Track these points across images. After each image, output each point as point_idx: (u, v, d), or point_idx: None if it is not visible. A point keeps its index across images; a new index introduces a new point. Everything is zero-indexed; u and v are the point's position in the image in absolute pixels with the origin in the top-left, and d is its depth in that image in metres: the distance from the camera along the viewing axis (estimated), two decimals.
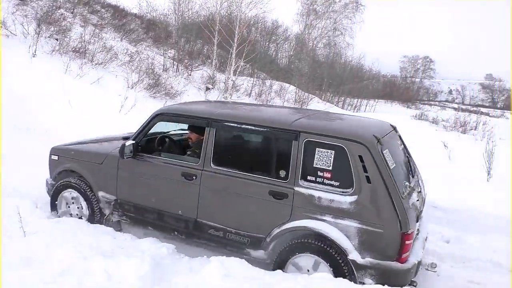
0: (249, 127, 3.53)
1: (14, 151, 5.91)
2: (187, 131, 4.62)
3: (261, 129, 3.49)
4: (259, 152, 3.71)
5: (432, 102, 47.07)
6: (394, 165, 3.29)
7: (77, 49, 11.75)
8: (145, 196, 3.93)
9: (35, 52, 10.04)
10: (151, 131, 4.07)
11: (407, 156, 3.95)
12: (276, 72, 26.33)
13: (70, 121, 7.74)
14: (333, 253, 3.14)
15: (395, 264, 3.03)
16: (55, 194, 4.33)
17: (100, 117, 8.38)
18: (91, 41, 12.54)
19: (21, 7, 11.76)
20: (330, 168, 3.21)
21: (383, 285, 3.01)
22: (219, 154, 3.63)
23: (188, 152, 4.09)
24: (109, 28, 15.47)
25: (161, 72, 15.13)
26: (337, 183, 3.19)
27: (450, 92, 73.35)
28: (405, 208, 3.04)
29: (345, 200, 3.13)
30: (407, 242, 3.02)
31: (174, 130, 4.69)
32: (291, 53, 33.14)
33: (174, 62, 17.03)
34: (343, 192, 3.16)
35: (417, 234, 3.46)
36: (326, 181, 3.23)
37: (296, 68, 28.54)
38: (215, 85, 17.59)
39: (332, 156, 3.20)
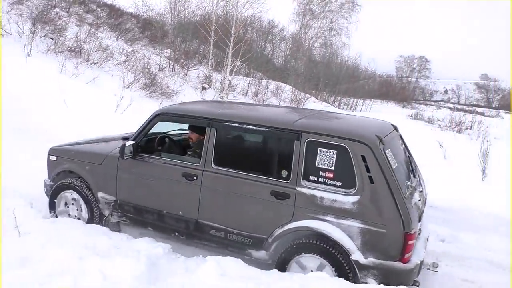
0: (251, 127, 3.50)
1: (8, 150, 5.87)
2: (186, 131, 4.60)
3: (263, 129, 3.47)
4: (261, 152, 3.68)
5: (427, 102, 47.22)
6: (396, 165, 3.28)
7: (73, 48, 11.71)
8: (145, 196, 3.90)
9: (30, 51, 9.99)
10: (151, 131, 4.05)
11: (408, 156, 3.95)
12: (272, 71, 26.32)
13: (66, 121, 7.71)
14: (336, 253, 3.13)
15: (398, 264, 3.02)
16: (53, 195, 4.29)
17: (96, 117, 8.35)
18: (86, 41, 12.50)
19: (16, 6, 11.70)
20: (333, 168, 3.19)
21: (387, 285, 3.00)
22: (220, 154, 3.60)
23: (189, 152, 4.06)
24: (104, 28, 15.42)
25: (157, 72, 15.09)
26: (339, 183, 3.18)
27: (446, 91, 73.64)
28: (408, 208, 3.03)
29: (348, 200, 3.12)
30: (409, 242, 3.01)
31: (174, 130, 4.66)
32: (287, 52, 33.17)
33: (170, 62, 17.00)
34: (345, 192, 3.15)
35: (419, 233, 3.46)
36: (328, 181, 3.21)
37: (292, 68, 28.56)
38: (211, 84, 17.57)
39: (335, 156, 3.19)
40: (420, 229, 3.36)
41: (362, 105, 29.48)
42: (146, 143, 4.08)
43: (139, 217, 3.97)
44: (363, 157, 3.09)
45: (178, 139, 4.57)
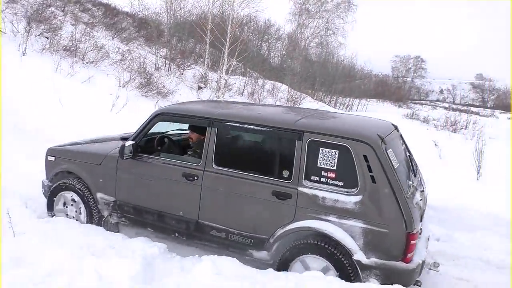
0: (252, 127, 3.49)
1: (2, 150, 5.84)
2: (186, 131, 4.56)
3: (264, 129, 3.46)
4: (262, 152, 3.66)
5: (423, 102, 47.44)
6: (398, 164, 3.28)
7: (68, 47, 11.65)
8: (145, 197, 3.88)
9: (25, 50, 9.94)
10: (150, 131, 4.02)
11: (409, 156, 3.94)
12: (268, 71, 26.33)
13: (61, 120, 7.67)
14: (338, 253, 3.12)
15: (400, 264, 3.02)
16: (51, 196, 4.25)
17: (91, 116, 8.32)
18: (82, 40, 12.44)
19: (10, 4, 11.63)
20: (334, 168, 3.19)
21: (391, 285, 3.00)
22: (221, 155, 3.59)
23: (189, 152, 4.04)
24: (100, 27, 15.36)
25: (153, 71, 15.05)
26: (341, 183, 3.18)
27: (441, 91, 73.95)
28: (410, 207, 3.03)
29: (350, 200, 3.12)
30: (412, 242, 3.01)
31: (173, 130, 4.63)
32: (284, 52, 33.16)
33: (166, 61, 16.96)
34: (347, 192, 3.15)
35: (420, 233, 3.46)
36: (330, 181, 3.21)
37: (289, 68, 28.57)
38: (207, 84, 17.55)
39: (336, 156, 3.18)
40: (421, 229, 3.37)
41: (358, 105, 29.55)
42: (146, 143, 4.05)
43: (138, 217, 3.94)
44: (365, 156, 3.09)
45: (177, 139, 4.54)
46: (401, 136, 4.00)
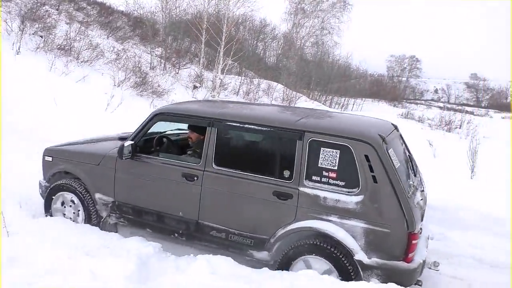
0: (252, 126, 3.46)
1: None
2: (184, 131, 4.53)
3: (265, 128, 3.43)
4: (263, 152, 3.64)
5: (418, 101, 47.59)
6: (399, 164, 3.27)
7: (62, 46, 11.61)
8: (144, 197, 3.84)
9: (19, 49, 9.90)
10: (149, 131, 3.99)
11: (409, 155, 3.94)
12: (264, 70, 26.33)
13: (55, 119, 7.64)
14: (339, 254, 3.12)
15: (401, 264, 3.01)
16: (49, 197, 4.20)
17: (86, 116, 8.29)
18: (76, 39, 12.40)
19: (4, 3, 11.56)
20: (336, 168, 3.17)
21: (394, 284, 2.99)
22: (221, 155, 3.56)
23: (189, 152, 4.01)
24: (95, 26, 15.32)
25: (148, 70, 15.02)
26: (342, 183, 3.16)
27: (436, 91, 74.27)
28: (411, 207, 3.03)
29: (351, 200, 3.10)
30: (413, 241, 3.00)
31: (171, 130, 4.58)
32: (279, 51, 33.19)
33: (162, 60, 16.93)
34: (349, 192, 3.13)
35: (420, 233, 3.46)
36: (331, 181, 3.19)
37: (284, 67, 28.59)
38: (202, 83, 17.54)
39: (338, 155, 3.17)
40: (421, 228, 3.36)
41: (353, 104, 29.62)
42: (144, 143, 4.01)
43: (137, 218, 3.91)
44: (366, 156, 3.08)
45: (175, 139, 4.50)
46: (400, 135, 3.99)
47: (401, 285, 3.00)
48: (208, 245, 3.63)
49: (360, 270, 3.10)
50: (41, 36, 11.43)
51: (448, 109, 33.19)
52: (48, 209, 4.22)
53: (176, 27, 20.81)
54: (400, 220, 2.99)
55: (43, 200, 4.30)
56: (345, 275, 3.11)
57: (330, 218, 3.16)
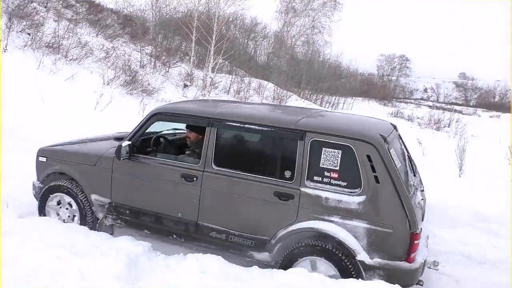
0: (253, 126, 3.42)
1: None
2: (180, 131, 4.48)
3: (265, 128, 3.40)
4: (263, 153, 3.59)
5: (407, 100, 47.98)
6: (400, 164, 3.27)
7: (51, 44, 11.48)
8: (142, 198, 3.78)
9: (6, 47, 9.76)
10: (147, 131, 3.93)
11: (408, 155, 3.94)
12: (254, 69, 26.33)
13: (43, 118, 7.55)
14: (340, 254, 3.10)
15: (403, 264, 3.00)
16: (43, 198, 4.11)
17: (75, 114, 8.21)
18: (65, 36, 12.27)
19: None
20: (337, 168, 3.15)
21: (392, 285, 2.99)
22: (220, 155, 3.51)
23: (187, 152, 3.96)
24: (84, 23, 15.17)
25: (138, 69, 14.93)
26: (344, 183, 3.14)
27: (425, 90, 74.99)
28: (413, 207, 3.03)
29: (353, 200, 3.09)
30: (415, 241, 3.00)
31: (167, 130, 4.51)
32: (270, 50, 33.20)
33: (152, 59, 16.84)
34: (350, 192, 3.11)
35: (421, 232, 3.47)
36: (333, 181, 3.17)
37: (275, 66, 28.61)
38: (193, 82, 17.48)
39: (339, 156, 3.15)
40: (421, 228, 3.35)
41: (343, 103, 29.75)
42: (141, 143, 3.94)
43: (135, 219, 3.85)
44: (368, 156, 3.06)
45: (172, 139, 4.44)
46: (399, 135, 3.99)
47: (403, 285, 3.01)
48: (208, 246, 3.59)
49: (362, 271, 3.09)
50: (29, 34, 11.29)
51: (437, 108, 33.57)
52: (42, 211, 4.12)
53: (166, 25, 20.69)
54: (402, 220, 2.98)
55: (29, 200, 4.24)
56: (347, 276, 3.09)
57: (332, 219, 3.14)
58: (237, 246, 3.46)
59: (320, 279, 3.01)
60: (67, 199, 4.04)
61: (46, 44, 11.32)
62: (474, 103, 57.58)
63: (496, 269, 4.34)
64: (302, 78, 29.88)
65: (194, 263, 3.13)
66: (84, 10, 16.45)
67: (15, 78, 8.49)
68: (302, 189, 3.23)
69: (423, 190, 3.80)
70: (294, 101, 20.71)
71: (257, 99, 19.32)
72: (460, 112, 31.83)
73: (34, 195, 4.29)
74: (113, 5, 20.95)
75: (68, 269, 2.96)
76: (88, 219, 4.00)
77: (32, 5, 12.80)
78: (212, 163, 3.51)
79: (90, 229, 3.88)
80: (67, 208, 4.07)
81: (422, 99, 60.43)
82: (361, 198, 3.08)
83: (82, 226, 3.94)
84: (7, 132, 6.64)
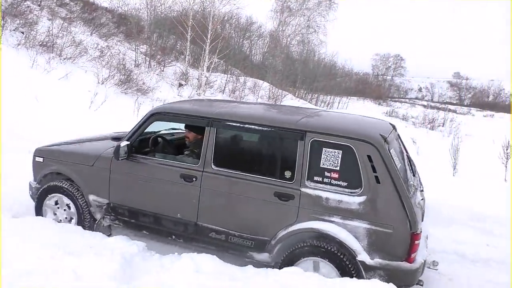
0: (253, 126, 3.41)
1: None
2: (178, 130, 4.46)
3: (265, 128, 3.38)
4: (263, 153, 3.58)
5: (402, 100, 48.22)
6: (400, 164, 3.28)
7: (45, 43, 11.40)
8: (141, 199, 3.76)
9: None
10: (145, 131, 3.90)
11: (407, 155, 3.94)
12: (250, 68, 26.31)
13: (37, 118, 7.50)
14: (341, 255, 3.10)
15: (404, 264, 3.01)
16: (40, 198, 4.08)
17: (69, 114, 8.16)
18: (59, 35, 12.19)
19: None
20: (338, 168, 3.14)
21: (395, 286, 2.98)
22: (220, 155, 3.50)
23: (186, 152, 3.93)
24: (78, 22, 15.07)
25: (132, 68, 14.87)
26: (345, 184, 3.14)
27: (420, 89, 75.34)
28: (413, 207, 3.03)
29: (354, 200, 3.08)
30: (416, 242, 3.00)
31: (165, 130, 4.48)
32: (265, 50, 33.20)
33: (146, 58, 16.78)
34: (351, 192, 3.11)
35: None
36: (333, 182, 3.16)
37: (270, 65, 28.62)
38: (188, 81, 17.44)
39: (340, 156, 3.14)
40: (421, 228, 3.36)
41: (339, 103, 29.81)
42: (139, 143, 3.92)
43: (133, 220, 3.82)
44: (369, 157, 3.05)
45: (171, 139, 4.41)
46: (398, 135, 3.99)
47: (403, 286, 3.02)
48: (207, 247, 3.57)
49: (363, 271, 3.09)
50: (23, 32, 11.20)
51: (432, 107, 33.75)
52: (39, 211, 4.08)
53: (161, 24, 20.63)
54: (403, 221, 2.98)
55: (23, 199, 4.21)
56: (347, 276, 3.09)
57: (333, 219, 3.13)
58: (236, 247, 3.45)
59: (314, 277, 3.01)
60: (65, 200, 4.00)
61: (40, 43, 11.24)
62: (468, 103, 57.98)
63: (489, 267, 4.38)
64: (297, 77, 29.91)
65: (188, 263, 3.13)
66: (78, 9, 16.34)
67: (8, 77, 8.42)
68: (303, 189, 3.22)
69: (422, 190, 3.80)
70: (289, 100, 20.73)
71: (252, 98, 19.32)
72: (454, 111, 32.03)
73: (30, 195, 4.25)
74: (107, 4, 20.84)
75: (63, 269, 2.94)
76: (86, 220, 3.97)
77: (25, 3, 12.71)
78: (212, 163, 3.50)
79: (89, 230, 3.85)
80: (64, 210, 4.04)
81: (416, 98, 60.71)
82: (362, 199, 3.08)
83: (77, 226, 3.92)
84: (3, 130, 6.60)
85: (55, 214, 4.09)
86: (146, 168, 3.73)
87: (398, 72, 70.50)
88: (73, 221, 4.02)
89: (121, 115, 9.20)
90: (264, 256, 3.38)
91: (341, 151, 3.14)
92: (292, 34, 30.75)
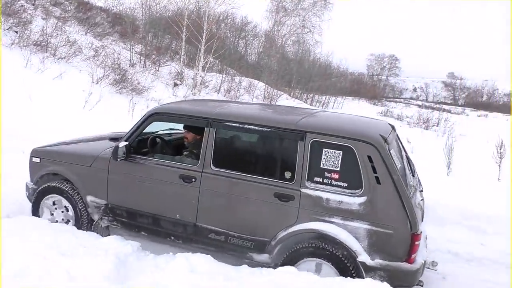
0: (252, 127, 3.39)
1: None
2: (176, 131, 4.44)
3: (265, 129, 3.36)
4: (263, 153, 3.55)
5: (397, 99, 48.42)
6: (400, 164, 3.27)
7: (39, 42, 11.34)
8: (139, 200, 3.73)
9: None
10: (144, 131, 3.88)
11: (406, 155, 3.94)
12: (245, 68, 26.30)
13: (30, 117, 7.45)
14: (341, 255, 3.08)
15: (404, 265, 3.00)
16: (37, 200, 4.03)
17: (63, 113, 8.12)
18: (53, 35, 12.13)
19: None
20: (338, 169, 3.13)
21: (392, 286, 2.98)
22: (220, 156, 3.48)
23: (185, 153, 3.90)
24: (72, 21, 15.01)
25: (127, 67, 14.82)
26: (345, 184, 3.13)
27: (415, 89, 75.68)
28: (413, 208, 3.03)
29: (354, 201, 3.07)
30: (416, 242, 3.00)
31: (163, 130, 4.43)
32: (261, 49, 33.21)
33: (141, 58, 16.73)
34: (351, 193, 3.10)
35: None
36: (333, 182, 3.15)
37: (265, 65, 28.63)
38: (183, 81, 17.41)
39: (340, 156, 3.13)
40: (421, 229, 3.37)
41: (334, 102, 29.89)
42: (137, 143, 3.88)
43: (132, 221, 3.80)
44: (369, 157, 3.05)
45: (169, 139, 4.38)
46: (397, 136, 3.99)
47: (404, 286, 3.03)
48: (206, 248, 3.55)
49: (363, 272, 3.09)
50: (16, 32, 11.14)
51: (426, 107, 33.95)
52: (35, 213, 4.05)
53: (156, 24, 20.56)
54: (403, 221, 2.98)
55: (16, 199, 4.18)
56: (348, 277, 3.08)
57: (333, 220, 3.12)
58: (236, 248, 3.44)
59: (308, 277, 3.01)
60: (62, 201, 3.97)
61: (34, 42, 11.19)
62: (462, 103, 58.35)
63: (483, 266, 4.41)
64: (293, 77, 29.93)
65: (183, 263, 3.11)
66: (72, 8, 16.29)
67: (1, 77, 8.37)
68: (303, 190, 3.21)
69: (422, 191, 3.81)
70: (285, 100, 20.75)
71: (247, 98, 19.31)
72: (449, 111, 32.22)
73: (27, 196, 4.21)
74: (102, 3, 20.74)
75: (56, 269, 2.92)
76: (84, 221, 3.94)
77: (19, 2, 12.63)
78: (211, 164, 3.48)
79: (86, 231, 3.83)
80: (62, 211, 4.01)
81: (411, 98, 61.00)
82: (362, 199, 3.07)
83: (70, 226, 3.89)
84: None
85: (52, 214, 4.06)
86: (145, 168, 3.70)
87: (393, 72, 70.80)
88: (71, 222, 3.99)
89: (115, 115, 9.17)
90: (264, 257, 3.36)
91: (341, 151, 3.13)
92: (287, 34, 30.78)
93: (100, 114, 8.82)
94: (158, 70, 17.02)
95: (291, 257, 3.22)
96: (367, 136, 3.15)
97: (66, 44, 12.23)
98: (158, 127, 4.25)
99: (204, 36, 17.59)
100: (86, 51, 13.15)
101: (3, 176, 4.74)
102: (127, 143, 3.70)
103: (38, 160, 4.12)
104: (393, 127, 3.94)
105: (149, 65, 16.82)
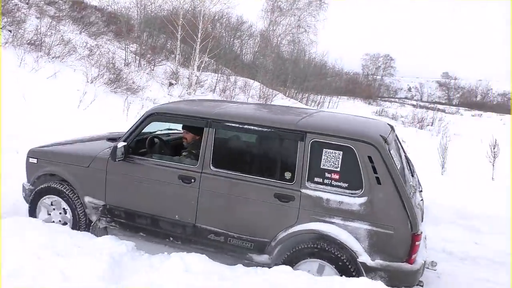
0: (252, 127, 3.38)
1: None
2: (174, 131, 4.42)
3: (265, 129, 3.35)
4: (263, 154, 3.54)
5: (392, 99, 48.61)
6: (400, 165, 3.27)
7: (33, 41, 11.27)
8: (138, 200, 3.71)
9: None
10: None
11: (405, 156, 3.95)
12: (240, 68, 26.29)
13: (24, 117, 7.40)
14: (342, 256, 3.08)
15: (405, 265, 3.01)
16: (34, 200, 4.00)
17: (58, 113, 8.07)
18: (47, 34, 12.06)
19: None
20: (338, 169, 3.13)
21: (393, 286, 3.00)
22: (219, 156, 3.47)
23: (184, 153, 3.87)
24: (67, 21, 14.93)
25: (122, 67, 14.76)
26: (345, 185, 3.12)
27: (409, 89, 75.99)
28: (414, 208, 3.03)
29: (355, 201, 3.07)
30: (417, 242, 3.00)
31: (161, 130, 4.42)
32: (256, 49, 33.20)
33: (136, 57, 16.67)
34: (352, 193, 3.10)
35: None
36: (334, 183, 3.15)
37: (261, 65, 28.62)
38: (178, 80, 17.37)
39: (340, 157, 3.13)
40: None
41: (329, 102, 29.96)
42: (136, 143, 3.86)
43: (130, 222, 3.77)
44: (369, 158, 3.04)
45: (167, 139, 4.36)
46: (397, 136, 4.00)
47: (404, 287, 3.03)
48: (205, 248, 3.53)
49: (364, 272, 3.08)
50: (10, 31, 11.06)
51: (421, 107, 34.10)
52: (32, 213, 4.01)
53: (151, 23, 20.50)
54: (404, 222, 2.98)
55: (10, 199, 4.15)
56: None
57: (333, 220, 3.12)
58: (236, 249, 3.43)
59: (303, 276, 3.02)
60: (60, 202, 3.94)
61: (28, 41, 11.12)
62: (457, 102, 58.69)
63: (477, 265, 4.44)
64: (288, 77, 29.95)
65: (178, 262, 3.11)
66: (67, 7, 16.19)
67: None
68: (303, 190, 3.20)
69: (421, 191, 3.81)
70: (280, 99, 20.77)
71: (243, 97, 19.31)
72: (443, 111, 32.40)
73: (24, 197, 4.18)
74: (97, 3, 20.65)
75: (50, 269, 2.91)
76: (81, 222, 3.92)
77: (13, 1, 12.55)
78: (210, 164, 3.46)
79: (83, 231, 3.81)
80: (60, 213, 3.98)
81: (406, 98, 61.26)
82: (363, 200, 3.07)
83: (65, 226, 3.87)
84: None
85: (49, 214, 4.03)
86: (144, 169, 3.68)
87: (387, 72, 71.07)
88: (68, 222, 3.96)
89: (110, 114, 9.14)
90: (263, 258, 3.36)
91: (341, 152, 3.13)
92: (282, 33, 30.74)
93: (95, 114, 8.79)
94: (153, 70, 16.97)
95: (291, 258, 3.21)
96: (367, 136, 3.15)
97: (60, 43, 12.17)
98: (156, 128, 4.24)
99: (199, 35, 17.57)
100: (80, 50, 13.09)
101: None
102: (125, 143, 3.67)
103: (35, 160, 4.08)
104: (392, 127, 3.94)
105: (144, 64, 16.77)
